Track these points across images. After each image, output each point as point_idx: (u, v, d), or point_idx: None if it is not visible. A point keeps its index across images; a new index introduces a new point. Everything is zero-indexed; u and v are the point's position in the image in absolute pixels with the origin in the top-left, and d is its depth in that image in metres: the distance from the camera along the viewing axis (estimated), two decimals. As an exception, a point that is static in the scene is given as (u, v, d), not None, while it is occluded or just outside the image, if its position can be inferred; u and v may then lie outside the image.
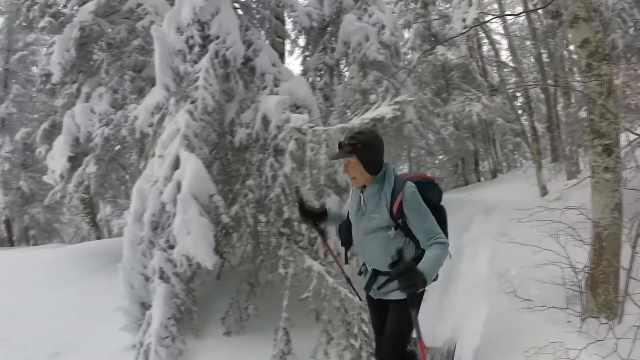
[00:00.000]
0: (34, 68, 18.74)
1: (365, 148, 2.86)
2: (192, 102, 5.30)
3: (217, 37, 5.89)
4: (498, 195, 11.11)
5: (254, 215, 5.41)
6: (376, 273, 3.04)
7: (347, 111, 7.88)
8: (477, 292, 5.55)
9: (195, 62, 5.73)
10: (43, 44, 17.51)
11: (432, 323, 5.14)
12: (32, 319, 6.55)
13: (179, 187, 4.76)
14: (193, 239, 4.61)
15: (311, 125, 5.04)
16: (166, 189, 4.80)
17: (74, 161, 7.87)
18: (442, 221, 2.93)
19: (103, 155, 7.76)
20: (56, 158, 7.85)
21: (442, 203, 3.10)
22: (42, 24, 11.73)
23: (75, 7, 9.43)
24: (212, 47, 5.80)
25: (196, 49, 5.81)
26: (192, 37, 5.86)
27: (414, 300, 2.62)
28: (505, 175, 17.59)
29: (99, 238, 16.89)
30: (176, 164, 4.88)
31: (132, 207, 5.26)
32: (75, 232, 20.93)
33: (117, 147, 7.77)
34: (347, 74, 9.24)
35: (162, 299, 4.93)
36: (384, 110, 4.50)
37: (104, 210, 16.25)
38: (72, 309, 6.75)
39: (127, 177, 8.71)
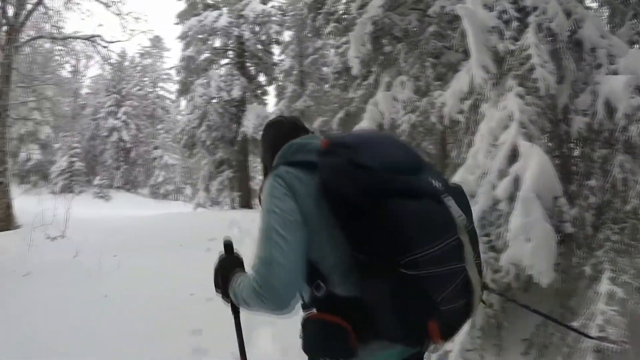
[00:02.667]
0: (324, 68, 20.13)
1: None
2: (521, 85, 4.31)
3: (535, 9, 4.76)
4: None
5: (594, 225, 4.14)
6: None
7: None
8: None
9: (515, 39, 4.71)
10: (331, 47, 18.53)
11: None
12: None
13: (516, 182, 3.85)
14: (532, 248, 3.63)
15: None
16: (501, 183, 3.94)
17: (377, 146, 7.74)
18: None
19: (409, 142, 7.35)
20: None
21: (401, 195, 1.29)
22: (328, 29, 12.25)
23: (358, 10, 9.37)
24: (532, 19, 4.68)
25: (514, 23, 4.78)
26: (505, 11, 4.83)
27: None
28: None
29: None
30: (513, 156, 3.99)
31: (456, 199, 4.57)
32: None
33: (421, 135, 7.35)
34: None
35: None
36: None
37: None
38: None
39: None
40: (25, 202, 15.87)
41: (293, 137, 1.66)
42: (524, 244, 3.67)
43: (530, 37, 4.45)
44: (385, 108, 7.36)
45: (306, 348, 1.47)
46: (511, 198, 3.86)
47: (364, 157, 1.36)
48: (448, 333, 1.38)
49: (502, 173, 3.98)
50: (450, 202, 1.39)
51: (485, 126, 4.42)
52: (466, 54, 7.35)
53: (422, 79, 7.07)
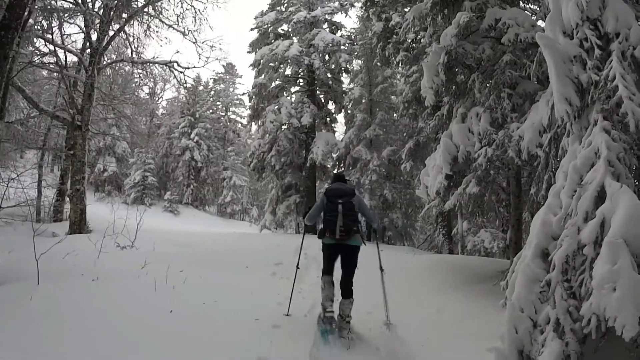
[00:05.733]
0: (393, 97, 20.05)
1: None
2: (606, 118, 3.99)
3: (617, 35, 4.43)
4: None
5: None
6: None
7: None
8: None
9: (599, 69, 4.39)
10: (400, 76, 18.50)
11: None
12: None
13: (603, 226, 3.52)
14: (618, 298, 3.26)
15: None
16: (586, 226, 3.61)
17: (450, 179, 7.42)
18: None
19: (485, 177, 7.05)
20: (431, 175, 7.53)
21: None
22: (398, 58, 12.18)
23: (428, 39, 9.24)
24: (614, 47, 4.36)
25: (596, 52, 4.47)
26: (585, 39, 4.54)
27: None
28: None
29: (451, 252, 16.73)
30: (599, 197, 3.66)
31: (533, 240, 4.22)
32: (426, 239, 21.35)
33: (497, 169, 6.93)
34: None
35: (553, 358, 3.71)
36: None
37: (461, 225, 15.85)
38: (431, 317, 6.41)
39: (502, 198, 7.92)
40: (98, 209, 16.65)
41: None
42: (609, 293, 3.33)
43: (615, 66, 4.13)
44: (460, 140, 7.09)
45: (318, 234, 5.72)
46: (597, 243, 3.54)
47: (329, 192, 5.68)
48: (334, 233, 5.40)
49: (589, 215, 3.66)
50: (340, 204, 5.46)
51: (567, 162, 4.12)
52: (542, 83, 7.01)
53: (498, 110, 6.73)
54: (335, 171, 22.39)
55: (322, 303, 5.51)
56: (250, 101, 22.80)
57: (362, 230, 5.72)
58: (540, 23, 7.35)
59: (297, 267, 6.33)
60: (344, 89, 23.01)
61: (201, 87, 43.73)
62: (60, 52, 14.62)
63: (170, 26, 16.11)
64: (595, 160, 3.82)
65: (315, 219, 5.82)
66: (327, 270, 5.52)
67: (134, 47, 16.17)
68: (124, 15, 14.72)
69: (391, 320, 5.53)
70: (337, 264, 5.61)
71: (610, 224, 3.48)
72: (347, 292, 5.33)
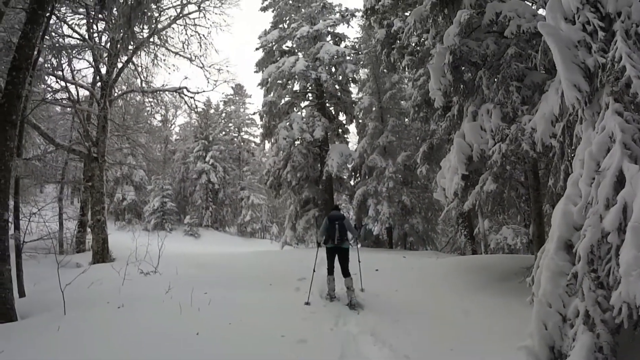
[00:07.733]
0: (403, 102, 19.98)
1: None
2: (617, 100, 3.92)
3: (619, 14, 4.36)
4: None
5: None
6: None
7: None
8: None
9: (604, 51, 4.32)
10: (408, 80, 18.45)
11: None
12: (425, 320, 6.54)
13: (625, 211, 3.43)
14: (646, 284, 3.19)
15: None
16: (608, 214, 3.52)
17: (467, 179, 7.33)
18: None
19: (501, 173, 6.93)
20: (447, 177, 7.45)
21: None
22: (403, 63, 12.17)
23: (431, 41, 9.23)
24: (617, 26, 4.28)
25: (599, 34, 4.39)
26: (587, 22, 4.48)
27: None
28: None
29: (474, 252, 16.48)
30: (619, 182, 3.57)
31: (555, 233, 4.12)
32: (448, 242, 21.10)
33: (513, 164, 6.81)
34: None
35: (585, 351, 3.60)
36: None
37: (482, 224, 15.60)
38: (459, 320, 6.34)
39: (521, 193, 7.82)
40: (119, 238, 16.81)
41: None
42: (638, 280, 3.23)
43: (620, 46, 4.05)
44: (473, 139, 7.02)
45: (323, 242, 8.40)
46: (621, 229, 3.45)
47: (330, 217, 8.21)
48: (334, 240, 8.00)
49: (610, 202, 3.56)
50: (336, 224, 8.03)
51: (583, 150, 4.03)
52: (550, 72, 6.93)
53: (508, 104, 6.64)
54: (352, 182, 22.45)
55: (329, 292, 8.05)
56: (261, 120, 22.91)
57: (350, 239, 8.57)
58: (541, 12, 7.29)
59: (314, 271, 8.34)
60: (353, 99, 22.98)
61: (212, 110, 44.10)
62: (72, 88, 14.90)
63: (176, 53, 16.41)
64: (611, 145, 3.73)
65: (325, 234, 8.21)
66: (330, 271, 8.09)
67: (143, 76, 16.49)
68: (131, 47, 14.97)
69: (363, 287, 8.72)
70: (338, 268, 8.25)
71: (632, 208, 3.38)
72: (346, 273, 7.89)
